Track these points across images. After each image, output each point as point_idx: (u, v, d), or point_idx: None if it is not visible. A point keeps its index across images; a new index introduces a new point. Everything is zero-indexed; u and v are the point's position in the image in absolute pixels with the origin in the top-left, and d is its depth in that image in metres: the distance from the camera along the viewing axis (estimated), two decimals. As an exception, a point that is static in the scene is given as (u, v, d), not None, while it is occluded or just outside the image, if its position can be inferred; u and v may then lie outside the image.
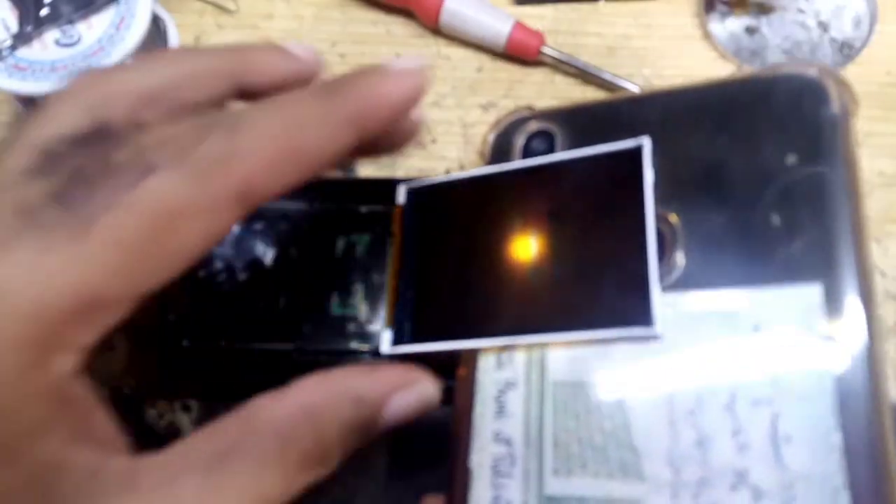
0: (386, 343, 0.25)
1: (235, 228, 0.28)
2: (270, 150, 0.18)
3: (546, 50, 0.35)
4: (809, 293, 0.19)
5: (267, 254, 0.28)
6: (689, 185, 0.23)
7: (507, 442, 0.22)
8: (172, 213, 0.16)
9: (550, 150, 0.26)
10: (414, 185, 0.27)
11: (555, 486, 0.21)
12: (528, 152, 0.27)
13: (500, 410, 0.23)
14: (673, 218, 0.23)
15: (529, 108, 0.27)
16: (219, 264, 0.29)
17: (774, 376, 0.19)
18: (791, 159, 0.21)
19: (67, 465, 0.17)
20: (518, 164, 0.25)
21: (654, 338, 0.21)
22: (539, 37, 0.35)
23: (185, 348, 0.27)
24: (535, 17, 0.36)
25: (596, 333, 0.22)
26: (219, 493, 0.18)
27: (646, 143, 0.22)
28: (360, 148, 0.20)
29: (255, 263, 0.28)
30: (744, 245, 0.21)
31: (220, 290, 0.28)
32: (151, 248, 0.16)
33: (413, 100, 0.20)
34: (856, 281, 0.19)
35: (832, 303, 0.19)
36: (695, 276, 0.21)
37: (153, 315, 0.27)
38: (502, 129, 0.27)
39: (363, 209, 0.28)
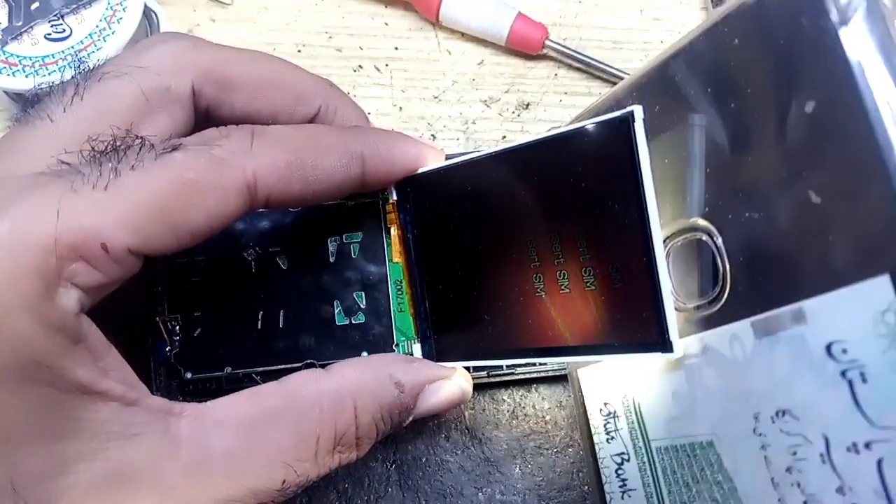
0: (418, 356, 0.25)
1: (215, 242, 0.27)
2: (282, 157, 0.20)
3: (550, 43, 0.34)
4: (877, 288, 0.15)
5: (256, 267, 0.27)
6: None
7: None
8: (186, 185, 0.18)
9: None
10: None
11: None
12: None
13: (623, 486, 0.22)
14: (709, 226, 0.19)
15: None
16: (204, 285, 0.27)
17: (864, 409, 0.15)
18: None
19: (100, 392, 0.17)
20: (500, 147, 0.23)
21: (675, 357, 0.19)
22: (542, 29, 0.33)
23: (187, 381, 0.26)
24: (538, 9, 0.35)
25: (613, 357, 0.21)
26: (250, 456, 0.19)
27: (637, 111, 0.19)
28: (371, 178, 0.22)
29: (244, 279, 0.27)
30: (787, 248, 0.17)
31: (214, 313, 0.27)
32: (161, 213, 0.18)
33: (418, 165, 0.24)
34: None
35: None
36: (744, 299, 0.18)
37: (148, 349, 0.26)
38: None
39: (349, 203, 0.27)
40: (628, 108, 0.19)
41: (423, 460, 0.28)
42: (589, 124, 0.20)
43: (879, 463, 0.15)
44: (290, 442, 0.19)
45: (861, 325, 0.15)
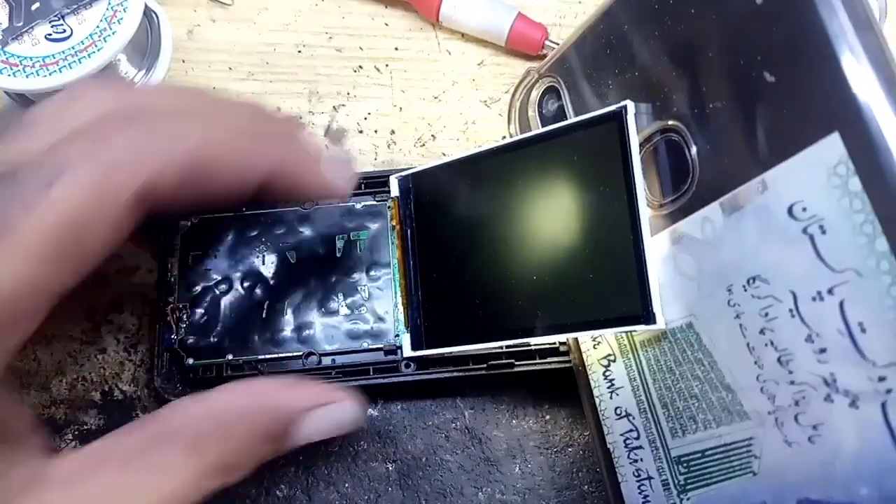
0: (406, 347, 0.26)
1: (230, 237, 0.28)
2: (173, 157, 0.18)
3: (550, 43, 0.34)
4: (829, 146, 0.17)
5: (266, 261, 0.28)
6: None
7: (628, 415, 0.23)
8: (76, 223, 0.17)
9: (560, 102, 0.26)
10: (405, 173, 0.27)
11: (677, 447, 0.21)
12: (542, 112, 0.28)
13: (611, 386, 0.23)
14: (678, 124, 0.21)
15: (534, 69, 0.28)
16: (216, 276, 0.28)
17: (824, 258, 0.17)
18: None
19: None
20: (497, 144, 0.25)
21: (659, 329, 0.21)
22: (542, 30, 0.34)
23: (188, 367, 0.27)
24: (538, 9, 0.35)
25: (599, 332, 0.22)
26: (128, 490, 0.18)
27: (629, 106, 0.21)
28: (272, 191, 0.21)
29: (254, 273, 0.28)
30: (748, 129, 0.19)
31: (219, 303, 0.27)
32: (59, 255, 0.17)
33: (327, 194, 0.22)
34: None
35: (858, 148, 0.16)
36: (711, 185, 0.20)
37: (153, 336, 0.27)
38: (520, 98, 0.28)
39: (359, 206, 0.28)
40: (621, 104, 0.21)
41: (423, 460, 0.28)
42: (583, 118, 0.22)
43: (841, 305, 0.17)
44: (165, 469, 0.19)
45: (817, 182, 0.17)
